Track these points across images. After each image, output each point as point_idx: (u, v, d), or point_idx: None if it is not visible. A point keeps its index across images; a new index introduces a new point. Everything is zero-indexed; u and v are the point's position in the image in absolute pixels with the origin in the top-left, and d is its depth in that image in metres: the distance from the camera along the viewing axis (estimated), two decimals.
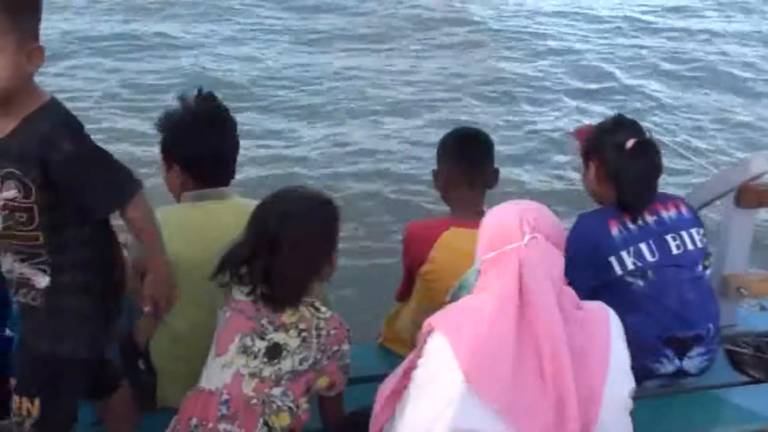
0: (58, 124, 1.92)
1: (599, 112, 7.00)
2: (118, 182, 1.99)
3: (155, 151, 2.58)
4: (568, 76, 8.27)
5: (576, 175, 6.04)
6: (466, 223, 2.47)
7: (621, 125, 2.69)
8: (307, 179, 5.81)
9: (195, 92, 2.48)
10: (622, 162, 2.59)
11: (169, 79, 7.66)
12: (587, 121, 6.88)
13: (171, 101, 2.54)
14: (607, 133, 2.66)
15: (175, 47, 8.60)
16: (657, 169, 2.64)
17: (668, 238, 2.60)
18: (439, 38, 9.16)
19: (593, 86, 8.06)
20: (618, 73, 8.43)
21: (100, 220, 2.05)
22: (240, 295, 2.16)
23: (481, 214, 2.55)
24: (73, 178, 1.92)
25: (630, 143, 2.57)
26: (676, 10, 10.56)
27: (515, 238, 1.90)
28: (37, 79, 1.94)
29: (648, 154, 2.61)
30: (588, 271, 2.53)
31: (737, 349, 2.99)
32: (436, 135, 3.04)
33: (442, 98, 7.62)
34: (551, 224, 1.96)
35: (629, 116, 2.79)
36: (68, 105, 1.98)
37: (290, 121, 7.08)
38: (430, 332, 1.87)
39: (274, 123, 6.98)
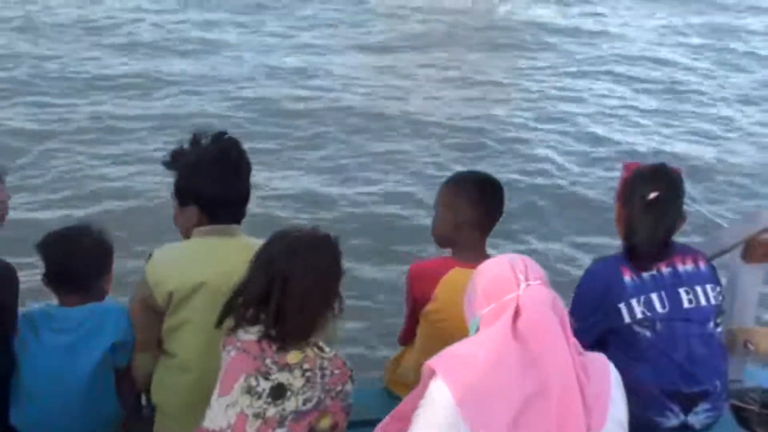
0: None
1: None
2: None
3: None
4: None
5: None
6: (471, 264, 2.47)
7: (656, 175, 2.63)
8: (300, 220, 5.77)
9: (210, 133, 2.48)
10: (636, 211, 2.58)
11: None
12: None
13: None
14: (641, 179, 2.63)
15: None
16: (669, 226, 2.60)
17: (681, 291, 2.58)
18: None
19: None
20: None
21: None
22: (245, 335, 2.14)
23: (485, 257, 2.55)
24: None
25: (651, 195, 2.55)
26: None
27: (511, 288, 1.90)
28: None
29: (666, 210, 2.58)
30: (597, 316, 2.54)
31: (743, 404, 2.96)
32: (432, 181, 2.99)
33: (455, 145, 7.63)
34: (540, 270, 1.97)
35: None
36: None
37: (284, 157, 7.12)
38: (430, 375, 1.87)
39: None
